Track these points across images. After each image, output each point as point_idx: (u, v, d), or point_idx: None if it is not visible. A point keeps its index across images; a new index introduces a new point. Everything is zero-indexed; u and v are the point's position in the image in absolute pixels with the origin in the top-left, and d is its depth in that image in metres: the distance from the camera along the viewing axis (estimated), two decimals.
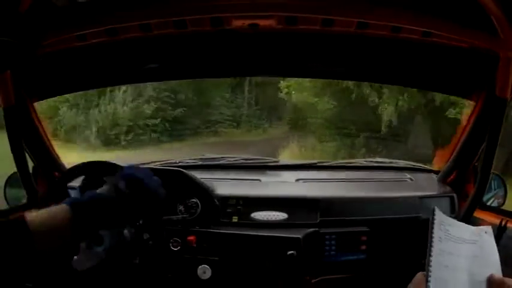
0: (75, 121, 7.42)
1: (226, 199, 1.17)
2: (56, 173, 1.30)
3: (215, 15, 0.96)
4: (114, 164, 1.12)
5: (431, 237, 0.60)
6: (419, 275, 0.63)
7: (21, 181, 1.18)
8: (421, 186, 1.34)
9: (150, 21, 0.98)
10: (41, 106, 1.35)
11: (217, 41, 1.13)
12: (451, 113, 5.60)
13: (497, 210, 1.24)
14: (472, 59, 1.07)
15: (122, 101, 7.58)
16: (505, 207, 1.29)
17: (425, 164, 1.55)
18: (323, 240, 1.12)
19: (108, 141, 7.34)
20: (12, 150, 1.15)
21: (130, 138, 7.43)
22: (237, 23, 0.99)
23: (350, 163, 1.64)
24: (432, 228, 0.61)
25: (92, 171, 1.08)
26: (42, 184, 1.27)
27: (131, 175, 0.70)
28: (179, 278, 1.12)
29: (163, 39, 1.08)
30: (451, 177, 1.32)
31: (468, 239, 0.62)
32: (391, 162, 1.62)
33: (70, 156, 3.05)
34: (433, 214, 0.62)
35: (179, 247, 1.11)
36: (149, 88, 7.56)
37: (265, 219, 1.14)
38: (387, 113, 6.36)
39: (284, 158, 4.99)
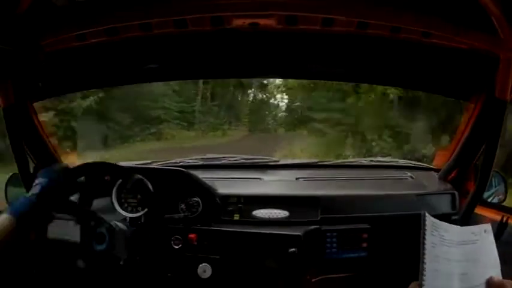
0: None
1: (227, 197, 1.17)
2: None
3: (216, 14, 0.96)
4: (114, 164, 1.13)
5: (424, 243, 0.58)
6: (413, 285, 0.61)
7: (22, 181, 1.19)
8: (422, 183, 1.34)
9: (150, 21, 0.98)
10: None
11: (217, 41, 1.13)
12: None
13: (498, 207, 1.25)
14: (471, 60, 1.07)
15: None
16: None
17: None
18: (324, 238, 1.12)
19: None
20: (13, 150, 1.15)
21: None
22: (238, 22, 0.99)
23: (350, 162, 1.65)
24: (424, 234, 0.59)
25: (93, 172, 1.09)
26: None
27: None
28: (179, 277, 1.12)
29: (163, 38, 1.08)
30: (452, 175, 1.32)
31: (467, 240, 0.61)
32: (391, 161, 1.63)
33: None
34: (424, 220, 0.60)
35: (180, 245, 1.11)
36: None
37: (266, 217, 1.14)
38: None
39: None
